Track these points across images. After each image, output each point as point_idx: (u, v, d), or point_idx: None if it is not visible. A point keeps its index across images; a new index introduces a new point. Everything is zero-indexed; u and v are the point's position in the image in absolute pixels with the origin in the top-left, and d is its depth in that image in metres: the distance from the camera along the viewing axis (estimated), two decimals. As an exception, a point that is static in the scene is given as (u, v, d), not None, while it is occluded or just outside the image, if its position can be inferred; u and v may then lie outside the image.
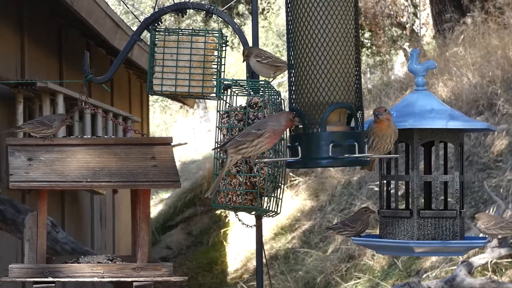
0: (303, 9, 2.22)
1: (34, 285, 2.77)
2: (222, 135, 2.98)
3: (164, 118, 26.28)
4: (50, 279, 2.77)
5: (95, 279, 2.80)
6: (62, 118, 3.11)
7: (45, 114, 5.91)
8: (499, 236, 2.92)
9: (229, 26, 3.24)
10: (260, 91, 3.00)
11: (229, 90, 2.98)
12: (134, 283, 2.80)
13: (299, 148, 2.23)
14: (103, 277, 2.81)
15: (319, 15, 2.21)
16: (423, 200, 2.85)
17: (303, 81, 2.23)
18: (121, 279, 2.82)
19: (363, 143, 2.24)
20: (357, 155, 2.20)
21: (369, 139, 2.54)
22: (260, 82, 3.02)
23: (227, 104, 2.98)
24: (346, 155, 2.19)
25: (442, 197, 2.84)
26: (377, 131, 2.53)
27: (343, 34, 2.22)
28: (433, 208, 2.77)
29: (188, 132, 23.15)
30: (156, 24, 3.17)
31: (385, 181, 2.83)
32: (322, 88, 2.20)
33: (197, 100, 16.30)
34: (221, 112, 2.97)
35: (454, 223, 2.72)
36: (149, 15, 3.18)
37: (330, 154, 2.18)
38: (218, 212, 12.55)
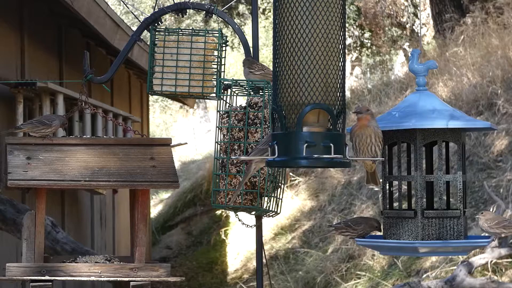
0: (289, 9, 2.22)
1: (31, 284, 2.77)
2: (222, 135, 2.97)
3: (164, 118, 26.27)
4: (47, 277, 2.77)
5: (93, 278, 2.80)
6: (62, 121, 3.11)
7: (45, 114, 5.91)
8: (502, 235, 2.92)
9: (229, 26, 3.24)
10: (260, 91, 3.00)
11: (229, 90, 2.98)
12: (131, 283, 2.79)
13: (276, 147, 2.23)
14: (101, 277, 2.81)
15: (305, 15, 2.21)
16: (425, 201, 2.85)
17: (285, 80, 2.23)
18: (118, 279, 2.81)
19: (341, 145, 2.23)
20: (332, 156, 2.19)
21: (353, 141, 2.57)
22: (260, 82, 3.02)
23: (227, 104, 2.98)
24: (320, 156, 2.18)
25: (445, 197, 2.84)
26: (356, 130, 2.57)
27: (327, 36, 2.21)
28: (435, 208, 2.77)
29: (188, 132, 23.14)
30: (156, 24, 3.16)
31: (388, 182, 2.83)
32: (304, 88, 2.20)
33: (197, 100, 16.30)
34: (221, 112, 2.97)
35: (458, 222, 2.72)
36: (149, 15, 3.18)
37: (304, 154, 2.18)
38: (218, 212, 12.55)
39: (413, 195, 2.75)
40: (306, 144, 2.18)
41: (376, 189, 9.34)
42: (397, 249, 2.81)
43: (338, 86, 2.24)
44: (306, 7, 2.20)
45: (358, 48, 18.15)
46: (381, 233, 2.87)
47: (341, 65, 2.25)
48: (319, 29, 2.21)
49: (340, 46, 2.24)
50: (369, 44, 17.58)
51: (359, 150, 2.58)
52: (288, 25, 2.22)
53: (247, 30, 15.07)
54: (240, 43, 3.30)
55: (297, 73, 2.21)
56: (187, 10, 3.19)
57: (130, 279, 2.81)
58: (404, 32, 16.88)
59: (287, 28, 2.22)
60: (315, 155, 2.18)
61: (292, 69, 2.22)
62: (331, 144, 2.19)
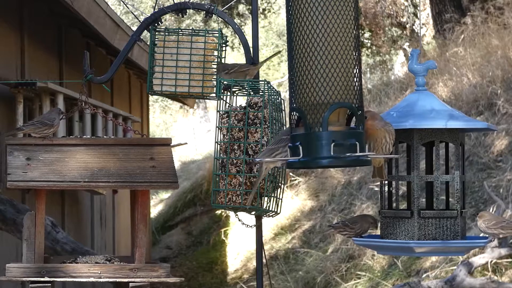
0: (303, 9, 2.22)
1: (30, 285, 2.77)
2: (222, 135, 2.97)
3: (164, 118, 26.28)
4: (46, 278, 2.77)
5: (92, 279, 2.80)
6: (58, 111, 3.11)
7: (44, 113, 5.91)
8: (500, 236, 2.91)
9: (229, 26, 3.24)
10: (260, 91, 3.00)
11: (229, 90, 2.98)
12: (130, 284, 2.79)
13: (300, 147, 2.22)
14: (100, 277, 2.81)
15: (320, 14, 2.21)
16: (425, 200, 2.85)
17: (303, 81, 2.23)
18: (118, 280, 2.81)
19: (364, 143, 2.24)
20: (358, 153, 2.19)
21: (368, 143, 2.56)
22: (260, 82, 3.02)
23: (227, 104, 2.98)
24: (347, 154, 2.19)
25: (444, 197, 2.84)
26: (370, 133, 2.56)
27: (343, 34, 2.22)
28: (434, 208, 2.77)
29: (188, 132, 23.14)
30: (156, 24, 3.16)
31: (386, 182, 2.83)
32: (323, 88, 2.20)
33: (197, 100, 16.30)
34: (221, 112, 2.97)
35: (455, 223, 2.71)
36: (149, 15, 3.18)
37: (332, 154, 2.18)
38: (218, 212, 12.55)
39: (410, 195, 2.75)
40: (333, 143, 2.18)
41: (376, 189, 9.34)
42: (393, 249, 2.81)
43: (356, 84, 2.25)
44: (320, 6, 2.20)
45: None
46: (378, 229, 2.87)
47: (357, 62, 2.26)
48: (334, 27, 2.21)
49: (355, 44, 2.25)
50: (369, 44, 17.58)
51: (374, 150, 2.57)
52: (303, 25, 2.22)
53: (247, 30, 15.06)
54: (240, 43, 3.30)
55: (315, 73, 2.21)
56: (187, 10, 3.19)
57: (130, 280, 2.80)
58: (404, 32, 16.88)
59: (303, 28, 2.22)
60: (342, 154, 2.18)
61: (310, 69, 2.22)
62: (357, 142, 2.20)
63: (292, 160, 2.26)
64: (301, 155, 2.23)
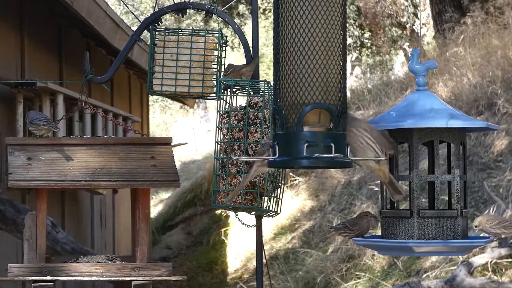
0: (289, 8, 2.23)
1: (33, 284, 2.77)
2: (222, 135, 2.98)
3: (164, 118, 26.28)
4: (49, 278, 2.77)
5: (94, 278, 2.80)
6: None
7: (44, 114, 5.91)
8: (502, 236, 2.91)
9: (229, 26, 3.24)
10: (260, 91, 3.00)
11: (229, 90, 2.98)
12: (133, 282, 2.80)
13: (277, 147, 2.23)
14: (102, 276, 2.81)
15: (305, 14, 2.21)
16: (427, 200, 2.85)
17: (286, 81, 2.23)
18: (120, 279, 2.82)
19: (342, 145, 2.22)
20: (332, 155, 2.18)
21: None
22: (260, 82, 3.02)
23: (227, 104, 2.98)
24: (320, 155, 2.18)
25: (446, 197, 2.84)
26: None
27: (328, 34, 2.21)
28: (434, 207, 2.77)
29: (188, 132, 23.15)
30: (156, 24, 3.17)
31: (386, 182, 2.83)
32: (304, 88, 2.20)
33: (197, 100, 16.30)
34: (221, 112, 2.97)
35: (455, 222, 2.71)
36: (149, 15, 3.18)
37: (305, 154, 2.18)
38: (218, 212, 12.55)
39: (410, 194, 2.75)
40: (306, 144, 2.18)
41: (376, 189, 9.34)
42: (393, 249, 2.81)
43: (339, 86, 2.24)
44: (306, 7, 2.20)
45: (358, 48, 18.16)
46: (378, 229, 2.87)
47: (341, 65, 2.25)
48: (319, 28, 2.21)
49: (340, 46, 2.25)
50: (369, 44, 17.59)
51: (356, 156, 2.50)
52: (288, 25, 2.22)
53: (247, 30, 15.07)
54: (240, 43, 3.30)
55: (298, 73, 2.21)
56: (187, 10, 3.19)
57: (132, 278, 2.81)
58: (404, 32, 16.89)
59: (288, 28, 2.22)
60: (315, 155, 2.17)
61: (292, 69, 2.22)
62: (332, 144, 2.19)
63: (271, 160, 2.27)
64: (277, 155, 2.23)
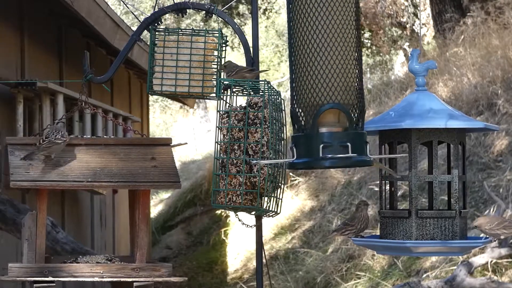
0: (303, 9, 2.22)
1: (34, 285, 2.76)
2: (222, 135, 2.98)
3: (164, 118, 26.28)
4: (50, 278, 2.77)
5: (95, 279, 2.80)
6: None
7: (45, 116, 5.92)
8: (502, 237, 2.91)
9: (229, 26, 3.24)
10: (260, 91, 3.00)
11: (229, 90, 2.98)
12: (134, 283, 2.80)
13: (294, 149, 2.23)
14: (103, 277, 2.81)
15: (319, 15, 2.21)
16: (427, 201, 2.85)
17: (303, 81, 2.23)
18: (121, 279, 2.82)
19: (361, 144, 2.22)
20: (347, 155, 2.18)
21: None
22: (260, 82, 3.02)
23: (227, 104, 2.98)
24: (335, 156, 2.18)
25: (446, 197, 2.84)
26: None
27: (343, 35, 2.22)
28: (433, 208, 2.77)
29: (188, 132, 23.14)
30: (156, 24, 3.17)
31: (385, 182, 2.83)
32: (323, 89, 2.20)
33: (197, 100, 16.30)
34: (221, 112, 2.97)
35: (454, 223, 2.71)
36: (149, 15, 3.18)
37: (321, 155, 2.18)
38: (218, 212, 12.55)
39: (408, 195, 2.75)
40: (322, 145, 2.18)
41: (376, 189, 9.34)
42: (392, 249, 2.81)
43: (356, 85, 2.24)
44: (321, 8, 2.20)
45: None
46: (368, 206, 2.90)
47: (357, 63, 2.25)
48: (334, 29, 2.21)
49: (355, 45, 2.25)
50: (369, 44, 17.58)
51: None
52: (303, 26, 2.22)
53: (247, 30, 15.06)
54: (240, 43, 3.30)
55: (315, 75, 2.21)
56: (187, 10, 3.19)
57: (133, 279, 2.81)
58: (404, 32, 16.88)
59: (303, 30, 2.22)
60: (329, 155, 2.17)
61: (310, 71, 2.22)
62: (348, 144, 2.19)
63: (289, 162, 2.27)
64: (295, 157, 2.24)
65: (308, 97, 2.22)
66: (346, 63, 2.22)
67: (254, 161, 2.54)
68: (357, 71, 2.25)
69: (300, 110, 2.23)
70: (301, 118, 2.22)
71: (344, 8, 2.22)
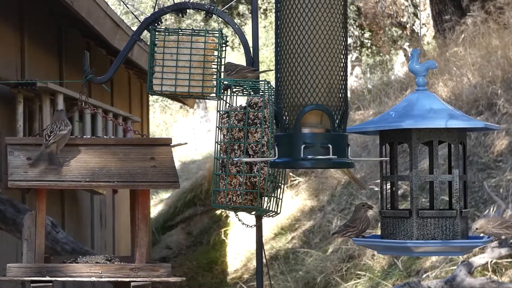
0: (291, 9, 2.22)
1: (32, 285, 2.77)
2: (222, 135, 2.98)
3: (164, 118, 26.28)
4: (47, 278, 2.77)
5: (93, 279, 2.80)
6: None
7: (45, 116, 5.92)
8: (503, 237, 2.90)
9: (229, 26, 3.24)
10: (260, 91, 3.00)
11: (229, 90, 2.98)
12: (132, 283, 2.80)
13: (276, 148, 2.24)
14: (101, 277, 2.81)
15: (307, 15, 2.21)
16: (428, 200, 2.85)
17: (288, 81, 2.23)
18: (119, 279, 2.81)
19: (342, 146, 2.22)
20: (328, 156, 2.18)
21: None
22: (260, 82, 3.02)
23: (227, 104, 2.98)
24: (315, 157, 2.18)
25: (447, 197, 2.84)
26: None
27: (330, 37, 2.21)
28: (434, 208, 2.76)
29: (188, 132, 23.14)
30: (156, 24, 3.16)
31: (385, 182, 2.83)
32: (306, 90, 2.20)
33: (197, 100, 16.30)
34: (221, 112, 2.97)
35: (454, 222, 2.71)
36: (149, 15, 3.18)
37: (302, 155, 2.18)
38: (218, 212, 12.55)
39: (409, 195, 2.75)
40: (304, 145, 2.18)
41: (376, 188, 9.34)
42: (392, 249, 2.81)
43: (340, 87, 2.24)
44: (308, 8, 2.20)
45: (358, 48, 18.16)
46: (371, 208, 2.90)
47: (343, 65, 2.25)
48: (321, 30, 2.21)
49: (342, 46, 2.24)
50: (369, 44, 17.59)
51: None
52: (290, 25, 2.22)
53: (247, 30, 15.06)
54: (240, 43, 3.30)
55: (299, 75, 2.21)
56: (187, 10, 3.19)
57: (131, 279, 2.81)
58: (404, 32, 16.89)
59: (289, 29, 2.22)
60: (309, 156, 2.17)
61: (294, 71, 2.22)
62: (330, 145, 2.19)
63: (271, 160, 2.27)
64: (277, 156, 2.24)
65: (292, 97, 2.22)
66: (331, 65, 2.22)
67: (236, 159, 2.54)
68: (342, 73, 2.25)
69: (284, 110, 2.23)
70: (284, 118, 2.22)
71: (332, 9, 2.21)
